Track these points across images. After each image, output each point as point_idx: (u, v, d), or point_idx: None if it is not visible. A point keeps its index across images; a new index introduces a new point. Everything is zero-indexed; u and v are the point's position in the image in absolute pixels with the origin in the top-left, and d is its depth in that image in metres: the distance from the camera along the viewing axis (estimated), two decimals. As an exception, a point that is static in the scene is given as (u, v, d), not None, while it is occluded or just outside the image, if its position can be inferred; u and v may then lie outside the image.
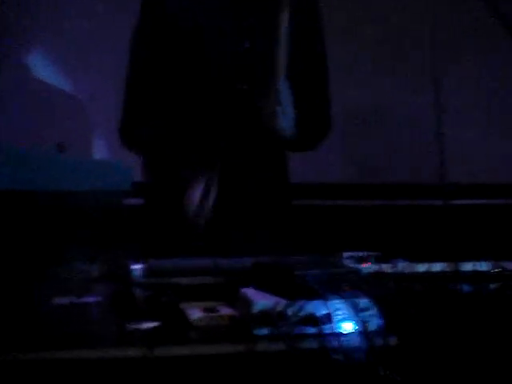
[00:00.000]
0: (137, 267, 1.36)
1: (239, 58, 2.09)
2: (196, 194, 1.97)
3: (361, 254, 1.54)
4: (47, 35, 3.23)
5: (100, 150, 2.69)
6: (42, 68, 3.15)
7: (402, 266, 1.48)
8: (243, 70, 2.09)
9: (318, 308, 1.22)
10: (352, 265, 1.48)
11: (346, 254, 1.55)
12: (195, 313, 1.30)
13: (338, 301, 1.23)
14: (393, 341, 1.22)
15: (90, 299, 1.46)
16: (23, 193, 1.22)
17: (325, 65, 2.25)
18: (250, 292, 1.30)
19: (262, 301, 1.24)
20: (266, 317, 1.22)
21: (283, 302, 1.23)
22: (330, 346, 1.19)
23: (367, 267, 1.49)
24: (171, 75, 2.06)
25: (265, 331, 1.21)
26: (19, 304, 1.43)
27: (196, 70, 2.05)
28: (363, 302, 1.24)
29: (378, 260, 1.54)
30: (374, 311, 1.24)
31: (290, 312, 1.22)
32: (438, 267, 1.47)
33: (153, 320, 1.29)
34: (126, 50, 2.13)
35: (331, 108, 2.26)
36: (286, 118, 2.00)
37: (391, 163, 3.37)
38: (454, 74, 3.42)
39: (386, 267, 1.47)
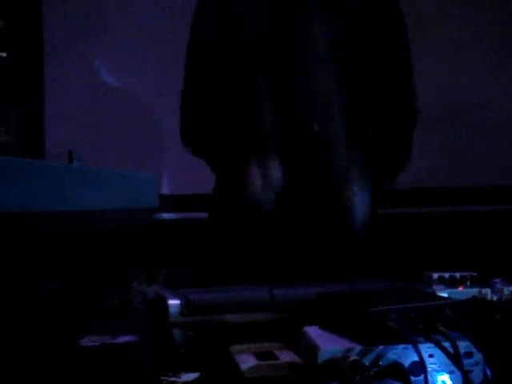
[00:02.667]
0: (174, 302, 1.08)
1: None
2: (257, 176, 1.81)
3: (455, 274, 1.22)
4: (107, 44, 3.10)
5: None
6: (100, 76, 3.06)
7: (509, 290, 1.14)
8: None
9: (405, 355, 0.93)
10: (443, 290, 1.16)
11: (434, 275, 1.23)
12: (247, 360, 1.02)
13: (430, 345, 0.93)
14: None
15: (126, 339, 1.20)
16: (31, 214, 0.97)
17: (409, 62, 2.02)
18: (314, 333, 1.00)
19: (330, 346, 0.94)
20: (337, 367, 0.93)
21: (358, 347, 0.94)
22: None
23: (463, 291, 1.17)
24: (230, 63, 1.89)
25: None
26: (39, 344, 1.18)
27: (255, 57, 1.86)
28: (465, 345, 0.93)
29: (475, 282, 1.22)
30: (479, 358, 0.94)
31: (367, 361, 0.93)
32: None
33: (193, 369, 1.02)
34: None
35: (416, 99, 2.00)
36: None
37: (480, 164, 3.02)
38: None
39: (488, 293, 1.14)
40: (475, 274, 1.26)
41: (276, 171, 1.80)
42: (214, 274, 1.81)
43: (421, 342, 0.93)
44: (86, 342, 1.18)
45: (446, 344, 0.93)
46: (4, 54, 3.14)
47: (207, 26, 1.93)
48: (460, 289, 1.21)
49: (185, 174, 2.61)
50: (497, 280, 1.26)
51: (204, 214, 1.90)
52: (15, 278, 1.36)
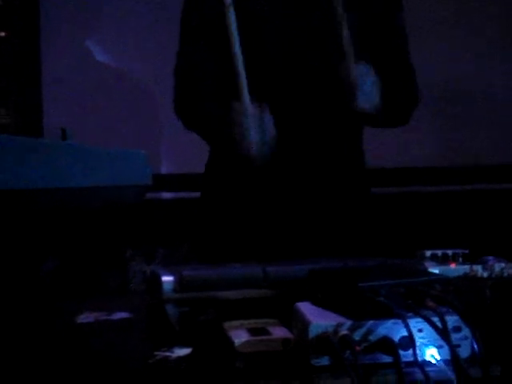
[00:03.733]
0: (168, 279, 1.09)
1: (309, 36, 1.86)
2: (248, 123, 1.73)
3: (447, 251, 1.23)
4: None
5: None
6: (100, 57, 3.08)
7: (500, 267, 1.15)
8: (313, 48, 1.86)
9: (394, 330, 0.95)
10: (435, 267, 1.17)
11: (426, 253, 1.24)
12: (240, 335, 1.03)
13: (419, 320, 0.95)
14: (494, 371, 0.94)
15: (121, 315, 1.21)
16: (25, 191, 0.98)
17: (405, 37, 2.01)
18: (306, 308, 1.02)
19: (320, 321, 0.96)
20: (327, 342, 0.94)
21: (348, 322, 0.96)
22: (410, 380, 0.93)
23: (455, 269, 1.18)
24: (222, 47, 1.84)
25: (325, 361, 0.95)
26: (38, 322, 1.19)
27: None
28: (453, 320, 0.95)
29: (465, 259, 1.23)
30: (467, 332, 0.96)
31: (357, 335, 0.95)
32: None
33: (187, 345, 1.03)
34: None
35: (416, 77, 1.99)
36: (365, 93, 1.78)
37: (475, 144, 3.04)
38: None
39: (479, 269, 1.16)
40: (467, 251, 1.28)
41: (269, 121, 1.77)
42: (210, 253, 1.82)
43: (410, 317, 0.94)
44: (82, 318, 1.20)
45: (435, 319, 0.94)
46: (2, 34, 3.16)
47: (199, 4, 1.93)
48: (452, 266, 1.22)
49: (183, 153, 2.64)
50: (490, 258, 1.27)
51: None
52: (13, 257, 1.38)
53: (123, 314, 1.22)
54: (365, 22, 1.86)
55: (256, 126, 1.70)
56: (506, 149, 2.96)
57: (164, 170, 2.97)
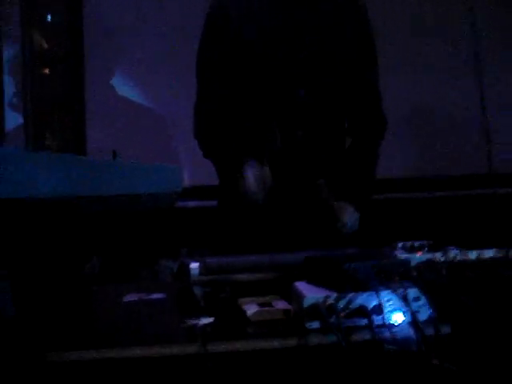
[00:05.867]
0: (195, 265, 1.25)
1: (297, 64, 1.99)
2: (252, 177, 1.94)
3: (413, 243, 1.38)
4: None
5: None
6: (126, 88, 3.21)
7: (454, 253, 1.30)
8: (301, 78, 1.98)
9: (368, 300, 1.08)
10: (405, 254, 1.32)
11: (399, 244, 1.39)
12: (251, 308, 1.18)
13: (387, 292, 1.08)
14: (445, 330, 1.06)
15: (158, 296, 1.37)
16: (81, 198, 1.14)
17: (376, 68, 2.12)
18: (302, 286, 1.16)
19: (312, 295, 1.10)
20: (316, 310, 1.08)
21: (334, 295, 1.09)
22: (381, 338, 1.05)
23: (420, 256, 1.33)
24: (237, 78, 1.99)
25: (316, 324, 1.08)
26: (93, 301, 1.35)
27: (259, 73, 1.97)
28: (413, 292, 1.08)
29: (430, 249, 1.38)
30: (424, 301, 1.08)
31: (340, 305, 1.08)
32: (488, 254, 1.29)
33: (211, 316, 1.18)
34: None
35: (382, 105, 2.12)
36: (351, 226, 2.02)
37: (440, 157, 3.18)
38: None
39: (438, 255, 1.31)
40: (431, 242, 1.42)
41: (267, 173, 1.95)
42: (226, 250, 1.96)
43: (380, 290, 1.08)
44: (128, 298, 1.35)
45: (400, 291, 1.09)
46: (47, 71, 3.31)
47: (213, 44, 2.02)
48: (418, 254, 1.36)
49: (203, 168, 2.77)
50: (450, 247, 1.41)
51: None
52: (63, 256, 1.53)
53: (159, 295, 1.36)
54: (343, 81, 2.00)
55: (259, 183, 1.93)
56: (464, 160, 3.10)
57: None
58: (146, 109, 3.25)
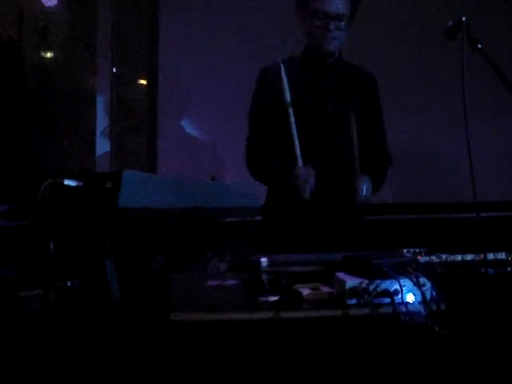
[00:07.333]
0: (264, 260, 1.62)
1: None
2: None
3: (415, 250, 1.75)
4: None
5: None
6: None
7: (445, 256, 1.69)
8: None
9: (390, 285, 1.44)
10: (410, 256, 1.69)
11: (405, 250, 1.76)
12: (305, 290, 1.53)
13: (404, 279, 1.44)
14: (442, 306, 1.43)
15: (231, 282, 1.72)
16: (187, 209, 1.49)
17: (382, 119, 2.53)
18: (342, 275, 1.52)
19: (351, 281, 1.46)
20: (355, 291, 1.45)
21: (366, 281, 1.45)
22: (399, 312, 1.42)
23: (421, 258, 1.70)
24: (277, 125, 2.33)
25: (354, 301, 1.44)
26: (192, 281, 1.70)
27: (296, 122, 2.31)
28: (422, 280, 1.45)
29: (427, 254, 1.74)
30: (429, 286, 1.45)
31: (371, 288, 1.44)
32: (469, 257, 1.69)
33: (276, 295, 1.54)
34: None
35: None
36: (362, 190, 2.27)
37: (434, 187, 3.60)
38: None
39: (434, 258, 1.69)
40: (427, 249, 1.79)
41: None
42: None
43: (399, 278, 1.44)
44: (210, 283, 1.69)
45: (413, 279, 1.45)
46: (109, 185, 3.64)
47: (261, 96, 2.41)
48: (419, 257, 1.74)
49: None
50: (441, 254, 1.78)
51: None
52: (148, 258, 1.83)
53: (232, 281, 1.71)
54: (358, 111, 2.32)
55: (306, 182, 2.21)
56: (448, 189, 3.52)
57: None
58: (202, 142, 3.64)
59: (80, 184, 1.49)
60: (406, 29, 3.65)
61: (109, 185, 1.46)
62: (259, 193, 2.08)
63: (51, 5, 3.50)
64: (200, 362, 1.40)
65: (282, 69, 2.24)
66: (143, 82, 3.66)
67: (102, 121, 3.49)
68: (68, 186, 1.50)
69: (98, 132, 3.49)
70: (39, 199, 1.39)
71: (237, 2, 3.59)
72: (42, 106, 3.37)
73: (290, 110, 2.22)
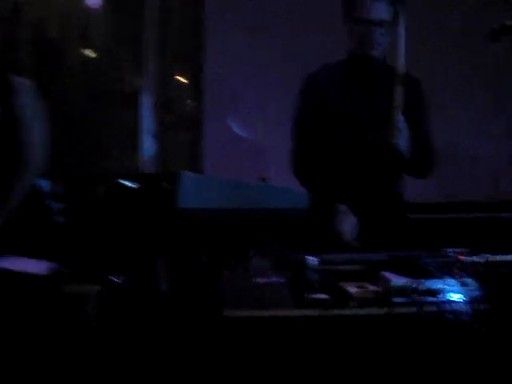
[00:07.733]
0: (312, 258, 1.68)
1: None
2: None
3: (458, 250, 1.79)
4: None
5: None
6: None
7: (487, 257, 1.73)
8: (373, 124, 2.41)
9: (436, 284, 1.49)
10: (454, 256, 1.74)
11: (449, 250, 1.80)
12: (353, 288, 1.59)
13: (449, 279, 1.50)
14: (486, 306, 1.48)
15: (276, 279, 1.77)
16: (237, 210, 1.56)
17: (428, 122, 2.54)
18: (387, 274, 1.58)
19: (397, 280, 1.52)
20: (401, 290, 1.50)
21: (412, 280, 1.50)
22: (444, 310, 1.46)
23: (465, 258, 1.74)
24: (325, 133, 2.40)
25: (401, 299, 1.50)
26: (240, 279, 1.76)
27: (340, 128, 2.38)
28: (467, 280, 1.50)
29: (469, 254, 1.79)
30: (473, 286, 1.50)
31: (417, 286, 1.49)
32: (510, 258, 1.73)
33: (324, 293, 1.60)
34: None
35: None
36: (403, 139, 2.29)
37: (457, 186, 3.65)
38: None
39: (476, 258, 1.73)
40: (468, 249, 1.83)
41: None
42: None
43: (444, 278, 1.50)
44: (259, 280, 1.74)
45: (458, 278, 1.51)
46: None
47: (306, 103, 2.46)
48: (461, 257, 1.78)
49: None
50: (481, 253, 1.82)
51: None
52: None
53: (277, 278, 1.75)
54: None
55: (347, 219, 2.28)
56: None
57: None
58: (248, 141, 3.71)
59: (137, 185, 1.56)
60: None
61: (166, 185, 1.53)
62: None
63: (95, 5, 3.60)
64: (252, 358, 1.47)
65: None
66: (188, 81, 3.73)
67: (146, 120, 3.58)
68: (126, 187, 1.57)
69: (142, 132, 3.58)
70: (102, 200, 1.46)
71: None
72: (87, 106, 3.47)
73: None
